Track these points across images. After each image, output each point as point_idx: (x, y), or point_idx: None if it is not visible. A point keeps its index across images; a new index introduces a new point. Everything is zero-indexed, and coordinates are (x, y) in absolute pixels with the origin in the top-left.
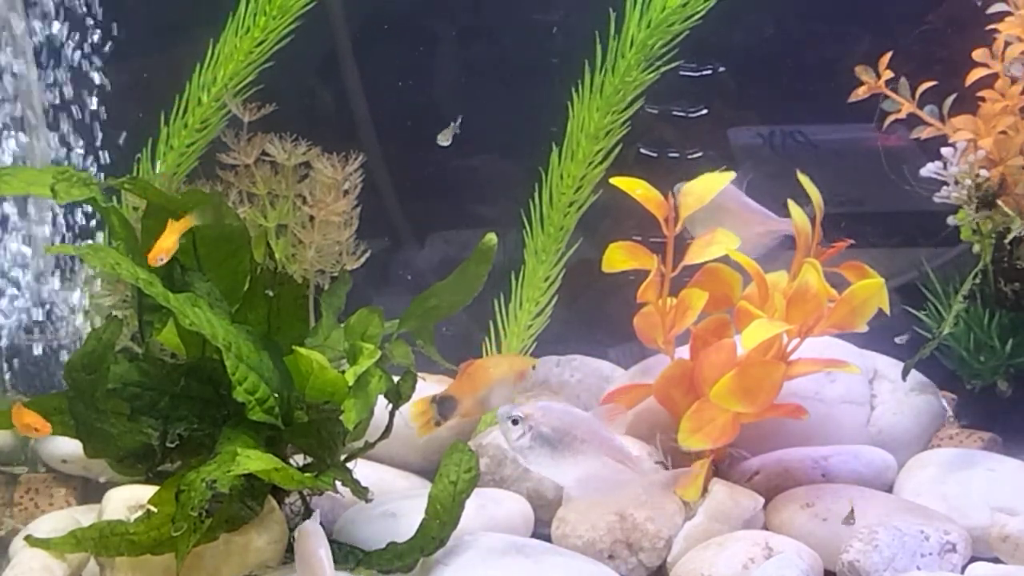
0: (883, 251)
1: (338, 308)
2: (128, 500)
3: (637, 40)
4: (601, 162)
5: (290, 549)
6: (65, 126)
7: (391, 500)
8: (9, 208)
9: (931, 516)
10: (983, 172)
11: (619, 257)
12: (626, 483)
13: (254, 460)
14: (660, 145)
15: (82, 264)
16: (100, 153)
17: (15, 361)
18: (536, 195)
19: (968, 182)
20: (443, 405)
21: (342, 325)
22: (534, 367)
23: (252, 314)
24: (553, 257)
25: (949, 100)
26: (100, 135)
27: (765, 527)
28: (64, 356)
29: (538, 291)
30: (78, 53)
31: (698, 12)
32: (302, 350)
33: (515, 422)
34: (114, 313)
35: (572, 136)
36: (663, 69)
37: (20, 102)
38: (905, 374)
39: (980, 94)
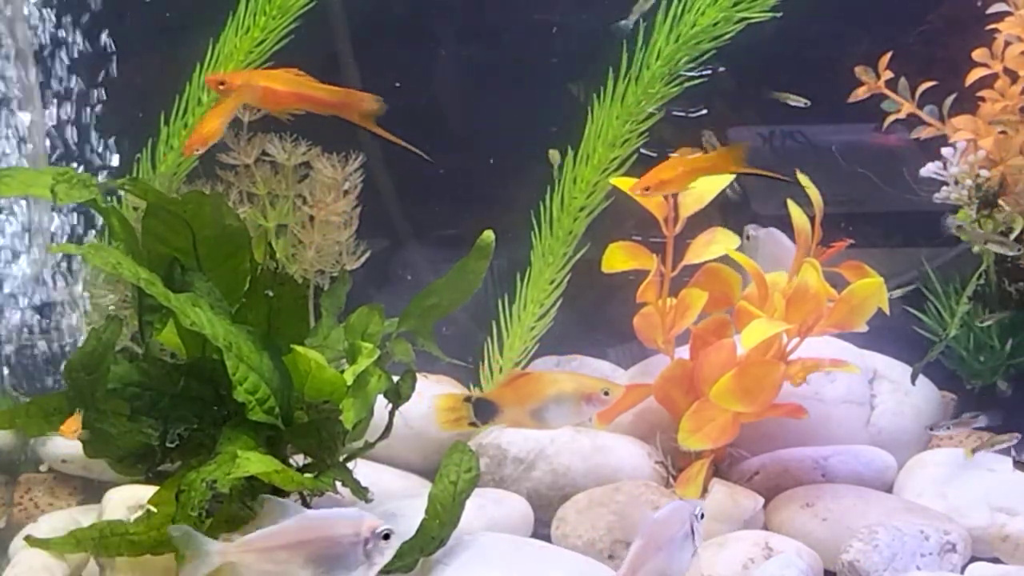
0: (883, 251)
1: (338, 308)
2: (128, 500)
3: (664, 53)
4: (616, 169)
5: None
6: (65, 127)
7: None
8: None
9: (931, 516)
10: (983, 172)
11: (619, 257)
12: None
13: (254, 462)
14: (660, 145)
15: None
16: (100, 152)
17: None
18: (547, 198)
19: (968, 182)
20: (481, 408)
21: (342, 325)
22: (607, 392)
23: (252, 314)
24: (560, 260)
25: (949, 100)
26: (100, 135)
27: (765, 527)
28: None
29: (543, 293)
30: (78, 53)
31: (727, 33)
32: (300, 348)
33: None
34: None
35: (589, 141)
36: (687, 84)
37: (19, 101)
38: (914, 379)
39: (980, 94)
